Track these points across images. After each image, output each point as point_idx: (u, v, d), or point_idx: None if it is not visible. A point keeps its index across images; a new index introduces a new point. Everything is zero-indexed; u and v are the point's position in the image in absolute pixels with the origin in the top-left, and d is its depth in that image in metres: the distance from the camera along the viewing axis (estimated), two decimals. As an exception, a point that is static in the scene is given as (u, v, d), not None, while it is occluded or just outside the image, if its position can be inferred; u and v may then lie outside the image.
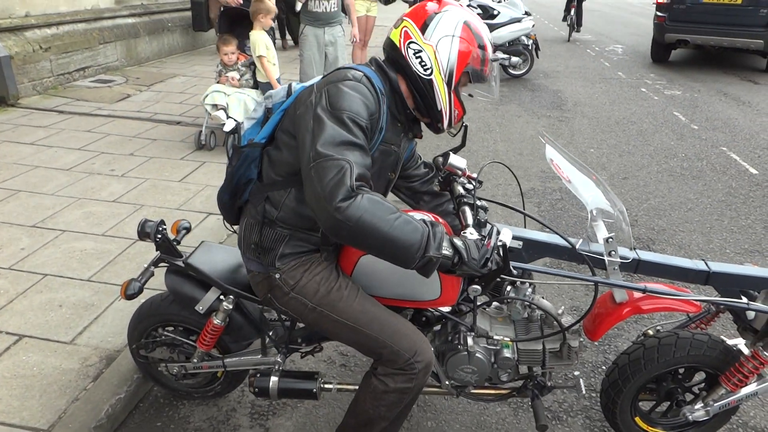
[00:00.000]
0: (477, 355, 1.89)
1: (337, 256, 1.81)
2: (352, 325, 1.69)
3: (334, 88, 1.52)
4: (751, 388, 1.97)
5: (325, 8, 5.60)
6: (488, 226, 1.67)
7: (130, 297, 1.87)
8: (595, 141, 6.05)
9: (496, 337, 1.92)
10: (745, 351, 1.96)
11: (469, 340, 1.90)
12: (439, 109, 1.68)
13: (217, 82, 4.99)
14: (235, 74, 4.95)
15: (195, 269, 1.93)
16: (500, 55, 8.42)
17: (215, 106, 4.75)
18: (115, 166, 4.56)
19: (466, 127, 2.01)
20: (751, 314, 1.90)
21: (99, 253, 3.27)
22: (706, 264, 1.86)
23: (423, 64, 1.63)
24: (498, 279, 1.57)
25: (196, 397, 2.32)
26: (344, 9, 5.90)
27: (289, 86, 1.75)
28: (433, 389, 2.07)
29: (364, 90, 1.54)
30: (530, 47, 8.78)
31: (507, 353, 1.91)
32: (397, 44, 1.66)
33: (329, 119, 1.47)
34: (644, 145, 5.99)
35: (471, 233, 1.56)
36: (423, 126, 1.84)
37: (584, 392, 2.01)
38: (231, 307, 1.94)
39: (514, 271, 1.76)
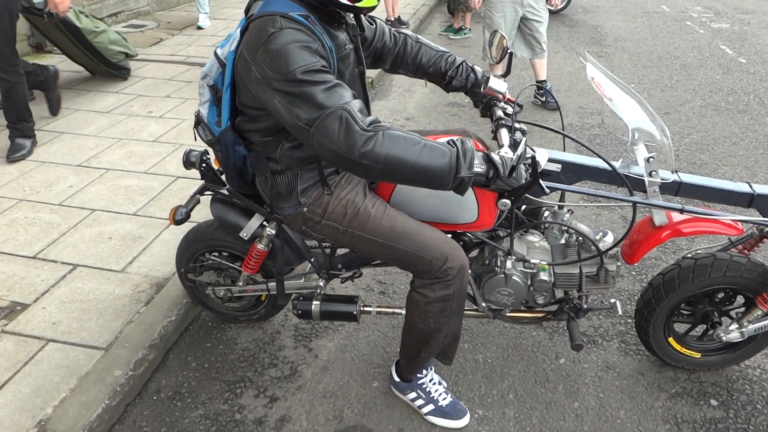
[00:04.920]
0: (514, 277, 1.91)
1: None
2: (382, 242, 1.73)
3: (267, 55, 1.42)
4: None
5: None
6: (520, 142, 1.62)
7: (178, 222, 1.96)
8: (636, 76, 5.85)
9: (533, 261, 1.92)
10: None
11: (507, 263, 1.92)
12: None
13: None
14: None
15: (239, 196, 1.98)
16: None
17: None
18: (152, 108, 4.63)
19: (511, 54, 1.97)
20: None
21: (143, 190, 3.37)
22: (750, 186, 1.80)
23: None
24: (527, 195, 1.55)
25: (242, 320, 2.43)
26: None
27: (215, 55, 1.69)
28: (469, 312, 2.11)
29: (292, 34, 1.42)
30: (569, -19, 8.42)
31: (543, 276, 1.91)
32: None
33: (291, 87, 1.41)
34: (688, 79, 5.76)
35: (506, 152, 1.56)
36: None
37: (620, 312, 2.01)
38: (274, 232, 1.99)
39: (547, 190, 1.71)
